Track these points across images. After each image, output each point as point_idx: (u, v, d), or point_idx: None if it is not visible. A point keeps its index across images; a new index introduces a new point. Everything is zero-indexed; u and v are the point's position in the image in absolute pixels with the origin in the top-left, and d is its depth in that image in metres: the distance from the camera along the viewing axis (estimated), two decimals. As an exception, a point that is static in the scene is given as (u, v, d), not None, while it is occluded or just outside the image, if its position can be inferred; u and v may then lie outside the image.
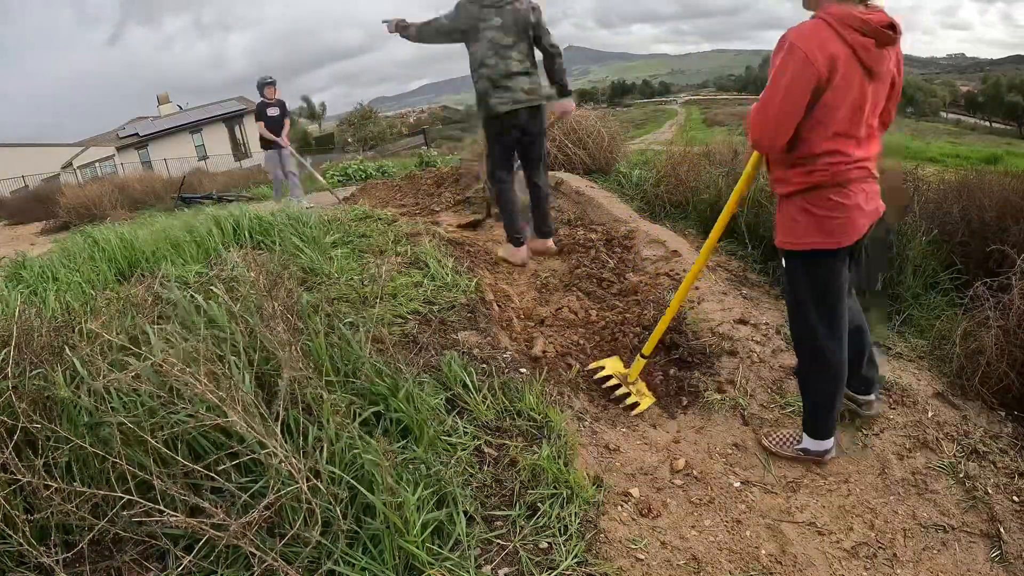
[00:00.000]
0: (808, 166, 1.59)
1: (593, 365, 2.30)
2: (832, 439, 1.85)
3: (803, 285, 1.70)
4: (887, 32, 1.48)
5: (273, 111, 6.92)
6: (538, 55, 3.36)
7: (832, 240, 1.62)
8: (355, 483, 1.35)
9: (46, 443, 1.32)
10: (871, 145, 1.62)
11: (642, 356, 2.17)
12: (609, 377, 2.22)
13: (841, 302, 1.71)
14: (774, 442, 1.95)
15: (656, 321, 2.64)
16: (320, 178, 8.28)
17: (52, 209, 10.55)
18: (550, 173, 5.37)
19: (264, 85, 6.93)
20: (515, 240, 3.48)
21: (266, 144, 6.98)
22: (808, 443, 1.87)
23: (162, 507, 1.17)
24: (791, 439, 1.93)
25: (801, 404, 1.92)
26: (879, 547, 1.58)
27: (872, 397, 2.01)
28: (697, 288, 2.90)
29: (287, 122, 7.07)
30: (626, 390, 2.15)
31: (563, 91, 3.45)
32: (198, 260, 3.15)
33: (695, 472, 1.86)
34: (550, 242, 3.64)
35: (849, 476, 1.82)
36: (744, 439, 2.00)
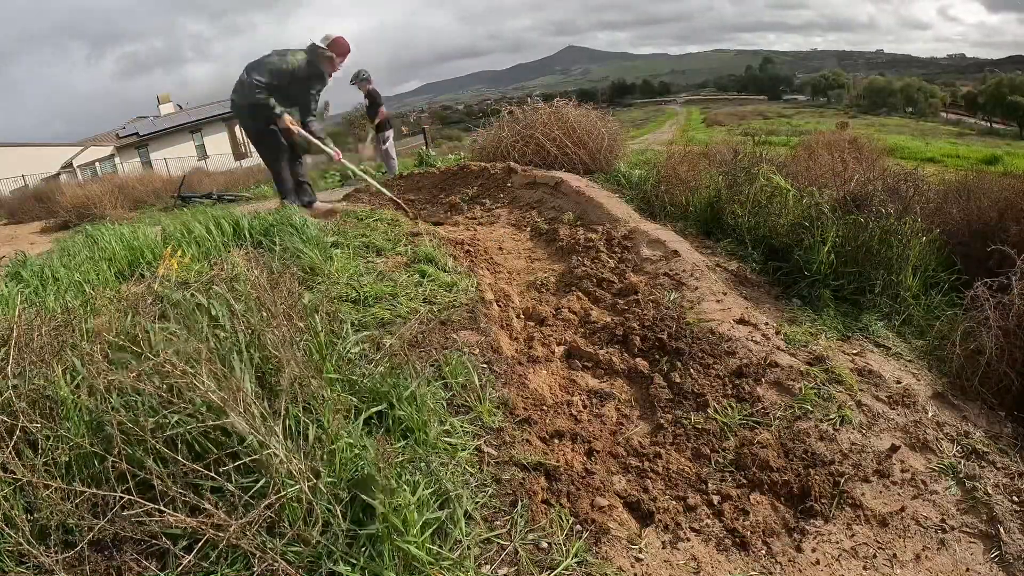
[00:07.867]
0: None
1: None
2: None
3: None
4: None
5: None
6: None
7: None
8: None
9: (46, 442, 1.32)
10: None
11: None
12: None
13: None
14: None
15: (656, 321, 2.61)
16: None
17: (52, 208, 10.53)
18: (550, 172, 5.38)
19: (363, 80, 7.68)
20: None
21: (381, 127, 7.96)
22: None
23: (162, 507, 1.17)
24: None
25: None
26: (879, 547, 1.58)
27: None
28: (697, 288, 2.89)
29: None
30: None
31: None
32: (198, 260, 3.15)
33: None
34: None
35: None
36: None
